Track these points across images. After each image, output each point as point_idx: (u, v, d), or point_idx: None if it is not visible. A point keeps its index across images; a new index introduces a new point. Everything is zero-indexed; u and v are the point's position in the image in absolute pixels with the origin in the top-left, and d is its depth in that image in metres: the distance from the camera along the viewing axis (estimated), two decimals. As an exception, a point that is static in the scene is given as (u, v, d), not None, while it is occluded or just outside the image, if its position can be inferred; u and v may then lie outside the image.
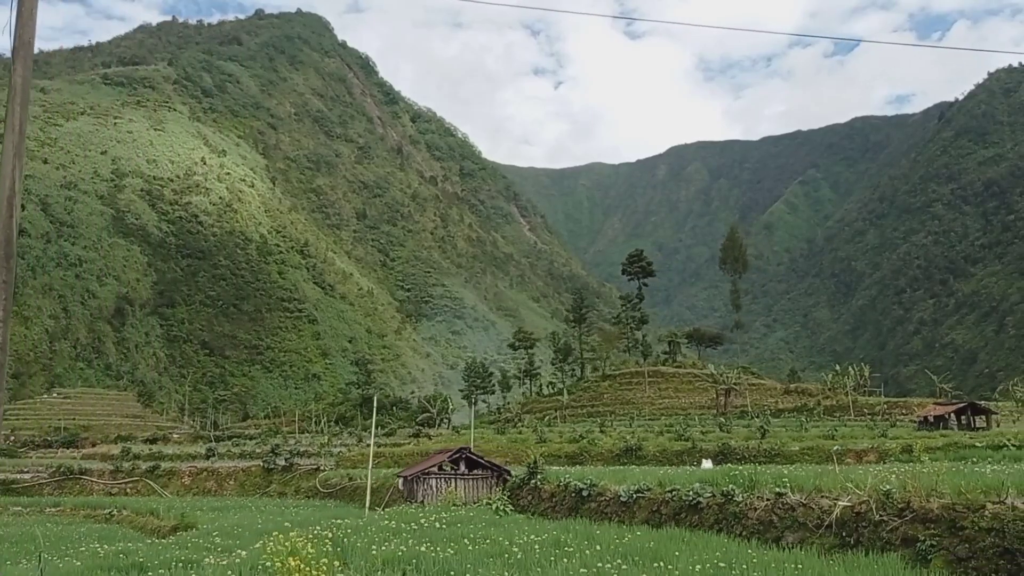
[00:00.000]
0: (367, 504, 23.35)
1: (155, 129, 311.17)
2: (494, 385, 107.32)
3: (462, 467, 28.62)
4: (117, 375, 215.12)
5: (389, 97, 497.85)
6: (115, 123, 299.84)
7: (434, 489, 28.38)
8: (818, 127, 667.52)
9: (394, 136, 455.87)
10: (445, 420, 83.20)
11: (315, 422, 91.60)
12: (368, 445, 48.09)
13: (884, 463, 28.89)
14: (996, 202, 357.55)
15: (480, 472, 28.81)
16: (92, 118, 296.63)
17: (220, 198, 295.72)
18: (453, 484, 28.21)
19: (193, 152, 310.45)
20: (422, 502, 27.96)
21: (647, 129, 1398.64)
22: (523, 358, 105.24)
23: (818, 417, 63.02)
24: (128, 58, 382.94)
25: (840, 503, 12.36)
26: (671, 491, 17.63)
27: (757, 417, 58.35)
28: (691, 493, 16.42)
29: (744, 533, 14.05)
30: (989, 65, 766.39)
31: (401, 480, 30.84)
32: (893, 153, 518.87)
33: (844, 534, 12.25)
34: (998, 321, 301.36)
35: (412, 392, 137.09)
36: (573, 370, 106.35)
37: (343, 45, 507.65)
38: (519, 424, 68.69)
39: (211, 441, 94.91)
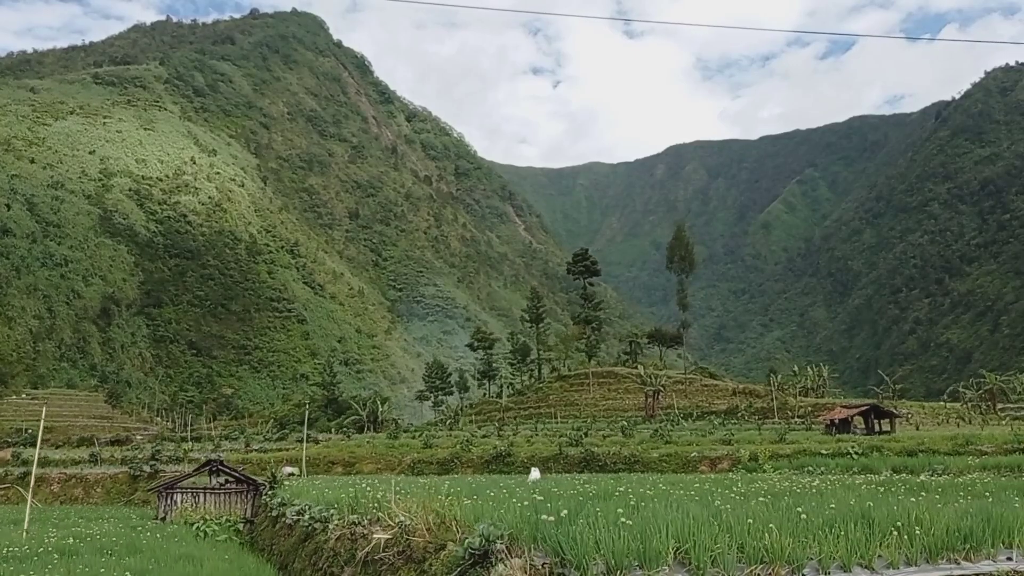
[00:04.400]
0: (26, 522, 20.85)
1: (145, 128, 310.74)
2: (452, 386, 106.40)
3: (214, 480, 27.09)
4: (102, 376, 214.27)
5: (384, 97, 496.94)
6: (104, 122, 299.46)
7: (177, 504, 26.77)
8: (816, 126, 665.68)
9: (388, 135, 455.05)
10: (384, 421, 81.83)
11: (270, 424, 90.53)
12: (255, 450, 46.92)
13: (732, 472, 27.60)
14: (992, 201, 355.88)
15: (235, 486, 27.21)
16: (81, 117, 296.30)
17: (209, 198, 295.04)
18: (201, 499, 26.59)
19: (183, 152, 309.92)
20: (163, 518, 26.52)
21: (645, 128, 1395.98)
22: (481, 358, 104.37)
23: (736, 420, 61.65)
24: (120, 57, 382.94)
25: (376, 535, 10.95)
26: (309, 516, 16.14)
27: (682, 419, 57.00)
28: (308, 519, 15.07)
29: (322, 564, 12.81)
30: (985, 65, 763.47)
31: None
32: (891, 152, 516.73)
33: (369, 571, 10.93)
34: (993, 320, 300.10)
35: (374, 392, 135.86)
36: (531, 370, 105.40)
37: (338, 45, 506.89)
38: (455, 427, 67.58)
39: (182, 441, 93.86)
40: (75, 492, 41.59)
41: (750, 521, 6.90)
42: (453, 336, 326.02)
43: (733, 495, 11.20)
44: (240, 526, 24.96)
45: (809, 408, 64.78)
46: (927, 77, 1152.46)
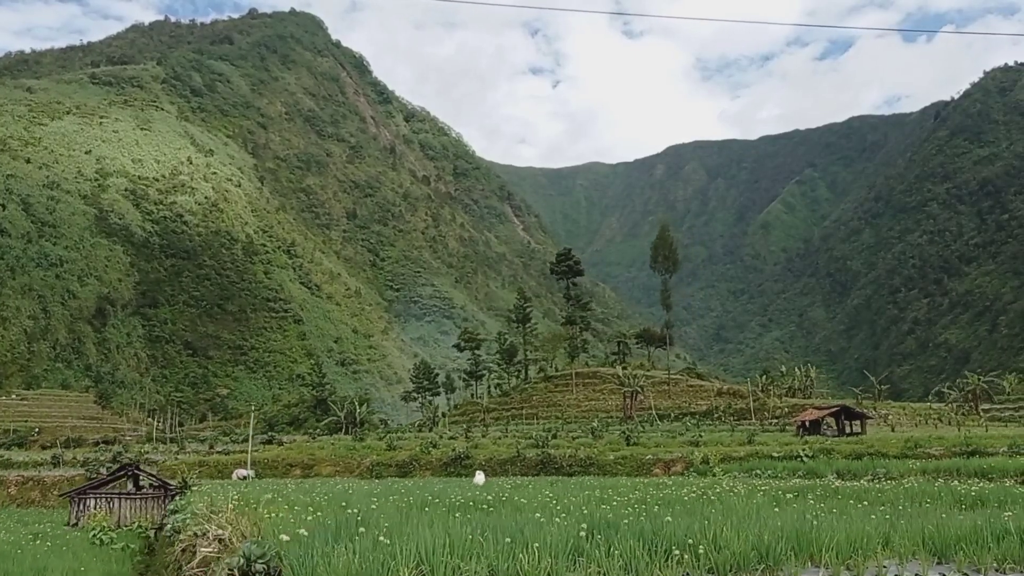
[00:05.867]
0: None
1: (141, 128, 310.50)
2: (439, 387, 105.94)
3: (130, 485, 26.66)
4: (97, 376, 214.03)
5: (383, 97, 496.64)
6: (101, 122, 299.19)
7: (91, 510, 26.37)
8: (815, 127, 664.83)
9: (387, 136, 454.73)
10: (365, 422, 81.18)
11: (256, 424, 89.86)
12: (218, 452, 46.57)
13: (684, 475, 27.23)
14: (991, 201, 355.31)
15: (151, 491, 26.60)
16: (78, 117, 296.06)
17: (206, 198, 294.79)
18: (116, 504, 26.09)
19: (179, 152, 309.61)
20: (75, 524, 26.08)
21: (645, 128, 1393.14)
22: (469, 359, 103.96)
23: (713, 421, 61.18)
24: (118, 57, 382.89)
25: (202, 549, 10.32)
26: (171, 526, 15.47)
27: (660, 420, 56.67)
28: (170, 529, 14.48)
29: (169, 576, 12.34)
30: (983, 65, 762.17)
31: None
32: (890, 152, 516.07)
33: None
34: (991, 320, 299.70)
35: (360, 393, 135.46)
36: (518, 371, 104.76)
37: (337, 44, 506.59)
38: (427, 428, 67.34)
39: (167, 442, 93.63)
40: (32, 495, 41.18)
41: (507, 540, 6.48)
42: (450, 336, 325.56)
43: (619, 502, 10.75)
44: (152, 533, 24.56)
45: (786, 409, 64.41)
46: (926, 77, 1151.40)
